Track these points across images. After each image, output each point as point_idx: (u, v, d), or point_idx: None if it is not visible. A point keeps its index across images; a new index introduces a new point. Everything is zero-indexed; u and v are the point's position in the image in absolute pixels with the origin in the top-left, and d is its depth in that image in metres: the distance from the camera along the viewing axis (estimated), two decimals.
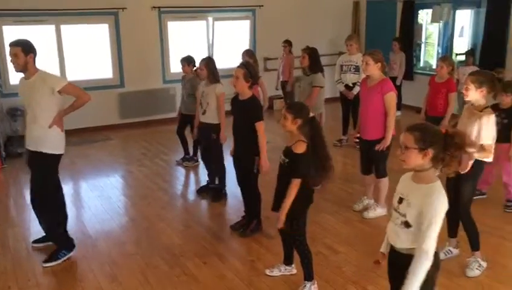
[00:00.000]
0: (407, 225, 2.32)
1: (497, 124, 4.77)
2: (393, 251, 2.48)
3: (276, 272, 3.83)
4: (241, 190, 4.63)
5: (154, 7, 8.70)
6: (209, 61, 5.31)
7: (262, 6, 9.68)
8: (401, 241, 2.37)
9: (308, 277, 3.56)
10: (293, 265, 3.82)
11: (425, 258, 2.22)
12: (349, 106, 7.18)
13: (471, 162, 3.58)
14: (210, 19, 9.42)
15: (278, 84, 8.99)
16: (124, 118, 8.79)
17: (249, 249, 4.34)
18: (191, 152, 6.69)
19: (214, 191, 5.47)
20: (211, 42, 9.55)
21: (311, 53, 5.81)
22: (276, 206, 3.50)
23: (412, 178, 2.38)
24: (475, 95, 3.63)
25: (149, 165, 6.76)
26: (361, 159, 4.98)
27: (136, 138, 8.15)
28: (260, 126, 4.21)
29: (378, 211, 4.87)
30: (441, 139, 2.26)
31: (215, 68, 5.29)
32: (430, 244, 2.22)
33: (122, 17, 8.46)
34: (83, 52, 8.41)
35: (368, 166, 4.89)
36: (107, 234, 4.67)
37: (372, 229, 4.59)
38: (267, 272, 3.85)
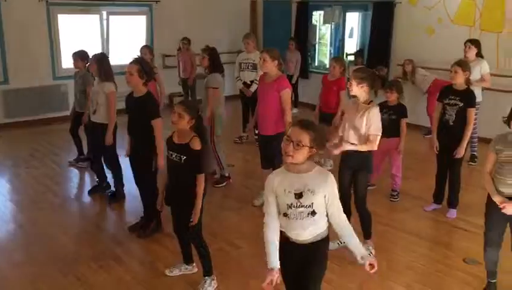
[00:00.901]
0: (313, 213, 2.44)
1: (386, 120, 5.18)
2: (292, 244, 2.55)
3: (176, 272, 3.79)
4: (139, 189, 4.50)
5: None
6: (99, 58, 5.06)
7: (159, 1, 9.47)
8: (305, 233, 2.48)
9: (207, 272, 3.57)
10: (193, 264, 3.80)
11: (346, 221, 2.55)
12: (249, 103, 7.29)
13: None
14: (104, 13, 9.02)
15: (179, 82, 8.91)
16: (10, 117, 8.11)
17: (149, 250, 4.23)
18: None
19: (110, 192, 5.26)
20: (105, 37, 9.15)
21: (211, 53, 5.73)
22: (170, 200, 3.51)
23: (293, 172, 2.46)
24: (357, 90, 3.85)
25: (38, 166, 6.31)
26: (261, 154, 5.08)
27: (23, 138, 7.57)
28: (157, 124, 4.12)
29: None
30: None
31: (108, 65, 5.06)
32: (344, 216, 2.56)
33: (5, 8, 7.79)
34: None
35: (268, 161, 5.00)
36: None
37: None
38: (167, 272, 3.79)
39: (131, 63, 4.17)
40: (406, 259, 4.15)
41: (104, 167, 5.36)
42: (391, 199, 5.35)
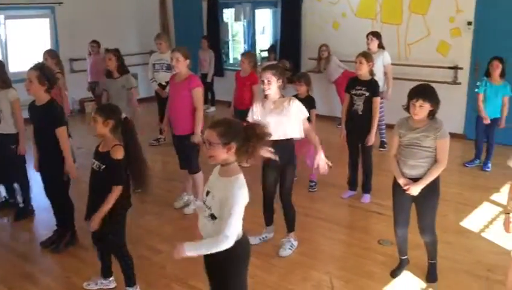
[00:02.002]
0: (213, 217, 2.38)
1: None
2: None
3: (92, 286, 3.60)
4: (51, 201, 4.25)
5: None
6: None
7: (61, 3, 9.00)
8: (209, 232, 2.42)
9: (130, 282, 3.45)
10: (110, 278, 3.62)
11: (223, 242, 2.29)
12: (165, 104, 7.13)
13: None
14: (1, 17, 8.41)
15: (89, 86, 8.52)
16: None
17: (65, 265, 4.02)
18: None
19: (17, 208, 4.91)
20: (3, 43, 8.53)
21: (117, 54, 5.54)
22: (90, 214, 3.29)
23: (218, 172, 2.45)
24: (275, 86, 3.85)
25: None
26: (178, 154, 5.01)
27: None
28: (61, 132, 3.90)
29: (192, 207, 4.96)
30: (242, 132, 2.35)
31: (4, 72, 4.72)
32: (231, 231, 2.29)
33: None
34: None
35: (183, 160, 4.94)
36: None
37: (193, 225, 4.60)
38: (85, 285, 3.61)
39: (30, 69, 3.92)
40: (326, 247, 4.28)
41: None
42: (309, 190, 5.49)
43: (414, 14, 7.50)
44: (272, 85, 3.83)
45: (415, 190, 3.33)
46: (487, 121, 5.84)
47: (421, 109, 3.22)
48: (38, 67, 3.94)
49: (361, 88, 4.89)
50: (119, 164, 3.19)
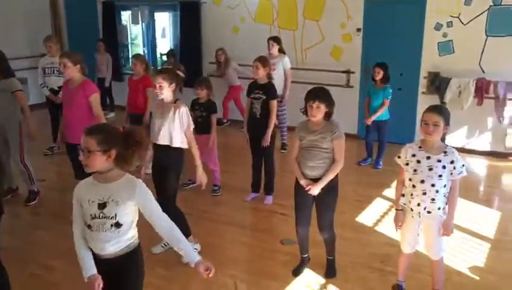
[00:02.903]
0: (118, 225, 2.30)
1: (198, 117, 5.27)
2: (101, 260, 2.40)
3: None
4: None
5: None
6: None
7: None
8: (109, 246, 2.33)
9: None
10: None
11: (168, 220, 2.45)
12: (58, 110, 6.71)
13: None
14: None
15: None
16: None
17: None
18: None
19: None
20: None
21: (2, 57, 5.02)
22: None
23: (99, 181, 2.34)
24: (168, 91, 3.83)
25: None
26: (72, 165, 4.73)
27: None
28: None
29: None
30: (122, 139, 2.29)
31: None
32: (161, 212, 2.44)
33: None
34: None
35: (81, 171, 4.66)
36: None
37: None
38: None
39: None
40: (231, 250, 4.29)
41: None
42: (213, 194, 5.47)
43: (308, 20, 7.81)
44: (164, 90, 3.82)
45: (315, 189, 3.45)
46: (368, 122, 6.27)
47: (318, 110, 3.36)
48: None
49: (259, 92, 5.00)
50: None
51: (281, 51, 6.72)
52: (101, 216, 2.32)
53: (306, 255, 3.90)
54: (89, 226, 2.36)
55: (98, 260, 2.40)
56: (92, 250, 2.40)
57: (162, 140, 3.83)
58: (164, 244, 4.16)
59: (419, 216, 3.22)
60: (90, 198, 2.33)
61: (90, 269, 2.36)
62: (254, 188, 5.40)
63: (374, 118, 6.18)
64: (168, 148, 3.84)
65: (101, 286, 2.33)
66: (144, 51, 10.01)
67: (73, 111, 4.45)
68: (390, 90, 6.15)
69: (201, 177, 4.04)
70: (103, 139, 2.23)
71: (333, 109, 3.43)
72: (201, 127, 5.16)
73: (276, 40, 6.72)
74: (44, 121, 7.27)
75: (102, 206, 2.31)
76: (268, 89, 5.01)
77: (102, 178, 2.32)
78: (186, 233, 4.05)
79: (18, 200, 5.15)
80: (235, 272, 3.92)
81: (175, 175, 3.96)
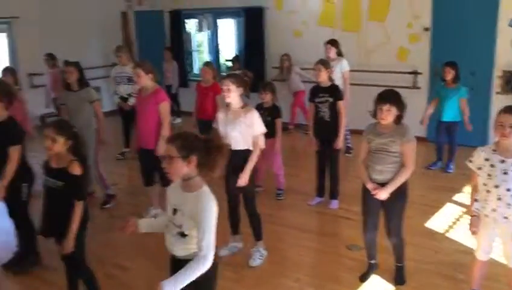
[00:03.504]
0: (182, 235, 2.34)
1: (263, 121, 5.29)
2: (173, 258, 2.49)
3: None
4: (13, 222, 4.10)
5: None
6: None
7: (18, 18, 8.75)
8: (178, 249, 2.40)
9: None
10: None
11: (203, 263, 2.25)
12: (128, 117, 7.03)
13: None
14: None
15: (50, 102, 8.30)
16: None
17: (29, 288, 3.88)
18: None
19: None
20: None
21: (77, 67, 5.32)
22: (46, 229, 3.25)
23: (181, 187, 2.40)
24: (235, 95, 3.89)
25: None
26: (142, 170, 4.93)
27: None
28: (14, 152, 3.74)
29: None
30: (202, 145, 2.32)
31: None
32: (208, 250, 2.26)
33: None
34: None
35: (149, 177, 4.87)
36: None
37: (160, 238, 4.55)
38: None
39: None
40: (295, 254, 4.29)
41: None
42: (277, 198, 5.50)
43: (373, 21, 7.67)
44: (232, 93, 3.86)
45: (383, 194, 3.38)
46: (424, 124, 6.15)
47: (388, 113, 3.28)
48: None
49: (324, 95, 4.96)
50: (79, 179, 3.11)
51: (339, 53, 6.64)
52: (172, 221, 2.41)
53: (373, 261, 3.82)
54: (166, 227, 2.46)
55: (172, 257, 2.48)
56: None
57: (236, 144, 3.84)
58: (230, 246, 4.24)
59: (495, 222, 3.06)
60: (171, 200, 2.44)
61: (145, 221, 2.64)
62: (319, 192, 5.36)
63: (444, 118, 6.00)
64: (242, 152, 3.85)
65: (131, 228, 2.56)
66: (208, 58, 10.25)
67: (145, 118, 4.65)
68: (466, 89, 5.91)
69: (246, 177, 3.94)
70: (183, 146, 2.27)
71: (404, 112, 3.34)
72: (266, 131, 5.20)
73: (333, 43, 6.63)
74: (116, 127, 7.64)
75: (174, 212, 2.39)
76: (334, 91, 4.97)
77: (184, 185, 2.38)
78: (259, 237, 4.13)
79: (95, 203, 5.41)
80: (300, 275, 3.91)
81: (252, 178, 4.00)
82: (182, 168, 2.30)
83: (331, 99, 4.94)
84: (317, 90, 5.05)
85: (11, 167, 3.75)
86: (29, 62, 8.76)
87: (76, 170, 3.09)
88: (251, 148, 3.90)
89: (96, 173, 5.38)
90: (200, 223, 2.26)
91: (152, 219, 2.61)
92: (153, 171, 4.79)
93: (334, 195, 5.27)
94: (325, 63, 5.03)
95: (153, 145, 4.62)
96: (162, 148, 4.56)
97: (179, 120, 9.43)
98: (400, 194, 3.43)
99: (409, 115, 3.48)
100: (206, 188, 2.36)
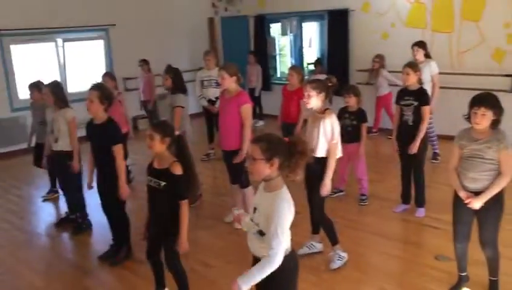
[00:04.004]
0: (261, 233, 2.37)
1: (347, 126, 5.24)
2: (255, 258, 2.52)
3: None
4: (108, 217, 4.40)
5: None
6: (53, 86, 4.93)
7: (114, 25, 9.38)
8: (259, 249, 2.42)
9: None
10: (166, 289, 3.70)
11: (272, 262, 2.28)
12: (214, 120, 7.25)
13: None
14: (59, 40, 8.88)
15: (141, 104, 8.80)
16: None
17: (121, 279, 4.12)
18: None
19: (75, 223, 5.11)
20: (62, 64, 8.99)
21: (173, 73, 5.56)
22: (155, 232, 3.39)
23: (262, 188, 2.45)
24: (316, 100, 3.89)
25: (0, 203, 6.09)
26: (228, 169, 5.06)
27: None
28: (117, 150, 4.03)
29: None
30: (285, 148, 2.35)
31: (62, 92, 4.95)
32: (277, 249, 2.28)
33: None
34: None
35: (233, 176, 4.98)
36: None
37: (243, 239, 4.63)
38: None
39: (90, 89, 4.09)
40: (379, 261, 4.17)
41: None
42: (360, 203, 5.39)
43: (466, 21, 7.28)
44: (312, 99, 3.87)
45: (477, 204, 3.20)
46: None
47: (483, 117, 3.11)
48: (99, 87, 4.12)
49: (409, 98, 4.79)
50: (180, 180, 3.24)
51: (427, 56, 6.36)
52: (252, 219, 2.45)
53: (464, 274, 3.61)
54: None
55: (255, 258, 2.51)
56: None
57: (313, 150, 3.89)
58: (309, 244, 4.23)
59: None
60: (255, 199, 2.49)
61: None
62: (404, 199, 5.18)
63: None
64: (316, 158, 3.87)
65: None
66: (291, 62, 10.31)
67: (227, 120, 4.76)
68: None
69: (327, 186, 3.93)
70: (267, 148, 2.31)
71: (501, 116, 3.14)
72: (350, 136, 5.15)
73: (420, 45, 6.37)
74: (201, 129, 7.91)
75: (254, 211, 2.44)
76: (420, 95, 4.79)
77: (265, 186, 2.42)
78: (334, 241, 4.07)
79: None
80: (384, 284, 3.80)
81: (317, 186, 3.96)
82: (264, 169, 2.33)
83: (415, 103, 4.76)
84: (403, 92, 4.89)
85: (120, 164, 4.03)
86: (123, 67, 9.33)
87: (177, 170, 3.22)
88: (318, 155, 3.88)
89: None
90: (272, 222, 2.29)
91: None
92: (234, 171, 4.89)
93: (420, 203, 5.06)
94: (413, 65, 4.86)
95: (234, 146, 4.72)
96: (242, 154, 4.67)
97: (261, 123, 9.57)
98: (496, 203, 3.22)
99: (505, 120, 3.26)
100: (284, 189, 2.38)
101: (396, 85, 7.00)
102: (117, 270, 4.23)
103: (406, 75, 4.80)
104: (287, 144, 2.37)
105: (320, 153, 3.90)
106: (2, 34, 8.05)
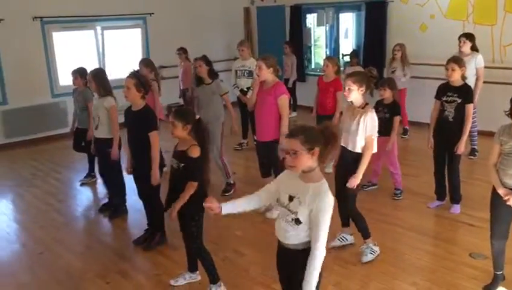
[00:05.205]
0: (298, 222, 2.39)
1: (380, 118, 5.17)
2: (281, 246, 2.56)
3: (181, 281, 3.79)
4: (143, 202, 4.51)
5: (35, 17, 8.17)
6: (96, 74, 5.07)
7: (152, 14, 9.52)
8: (290, 237, 2.45)
9: (213, 279, 3.58)
10: (197, 272, 3.80)
11: (321, 252, 2.33)
12: (247, 109, 7.27)
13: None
14: (98, 28, 9.07)
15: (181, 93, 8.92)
16: (9, 137, 8.13)
17: (154, 263, 4.23)
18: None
19: (114, 207, 5.26)
20: (101, 52, 9.19)
21: (207, 61, 5.59)
22: (167, 207, 3.55)
23: (300, 178, 2.44)
24: (356, 94, 3.84)
25: (41, 185, 6.32)
26: (260, 162, 5.08)
27: (24, 158, 7.56)
28: (153, 137, 4.12)
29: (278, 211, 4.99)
30: (321, 136, 2.36)
31: (105, 80, 5.07)
32: (323, 240, 2.33)
33: (1, 29, 7.81)
34: None
35: (267, 168, 5.00)
36: None
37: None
38: (172, 282, 3.79)
39: (128, 77, 4.18)
40: (412, 257, 4.13)
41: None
42: (394, 198, 5.33)
43: (510, 14, 7.03)
44: (352, 93, 3.83)
45: None
46: None
47: None
48: (135, 75, 4.21)
49: (452, 94, 4.66)
50: (196, 162, 3.35)
51: (474, 48, 6.18)
52: (287, 207, 2.46)
53: (500, 272, 3.54)
54: (277, 213, 2.56)
55: (281, 246, 2.56)
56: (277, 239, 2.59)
57: (347, 144, 3.88)
58: (340, 237, 4.22)
59: None
60: (286, 187, 2.49)
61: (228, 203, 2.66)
62: (438, 195, 5.10)
63: None
64: (351, 152, 3.87)
65: (214, 210, 2.60)
66: (326, 52, 10.21)
67: (263, 111, 4.79)
68: None
69: (358, 179, 3.88)
70: (306, 139, 2.32)
71: None
72: (384, 129, 5.07)
73: (468, 36, 6.18)
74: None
75: (290, 199, 2.44)
76: (464, 92, 4.63)
77: (304, 176, 2.43)
78: (366, 235, 4.06)
79: (216, 191, 5.60)
80: (417, 279, 3.77)
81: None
82: (308, 161, 2.34)
83: (459, 100, 4.63)
84: (446, 88, 4.74)
85: (155, 151, 4.13)
86: (160, 55, 9.44)
87: (193, 152, 3.35)
88: (356, 150, 3.85)
89: (221, 163, 5.65)
90: (318, 214, 2.32)
91: (236, 200, 2.70)
92: (268, 163, 4.92)
93: (455, 199, 4.97)
94: (458, 61, 4.67)
95: (270, 137, 4.74)
96: (283, 143, 4.68)
97: (294, 114, 9.53)
98: None
99: None
100: (325, 181, 2.41)
101: (433, 78, 6.83)
102: (151, 254, 4.34)
103: (450, 71, 4.61)
104: (321, 132, 2.38)
105: (359, 148, 3.85)
106: (45, 22, 8.29)
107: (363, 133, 3.82)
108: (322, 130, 2.39)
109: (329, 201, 2.35)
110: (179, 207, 3.38)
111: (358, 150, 3.86)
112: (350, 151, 3.89)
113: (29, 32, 8.18)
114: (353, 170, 3.81)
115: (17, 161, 7.47)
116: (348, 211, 4.09)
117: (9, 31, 7.90)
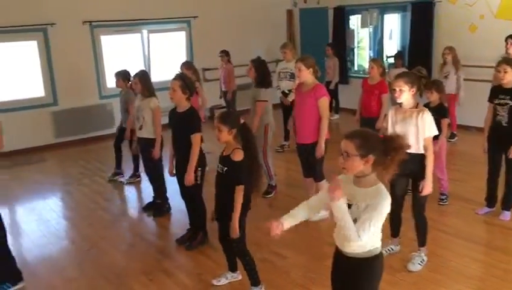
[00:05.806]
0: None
1: None
2: (340, 254, 2.50)
3: (223, 281, 3.83)
4: (185, 202, 4.58)
5: (85, 22, 8.46)
6: (142, 75, 5.21)
7: (197, 17, 9.67)
8: (347, 245, 2.40)
9: (254, 282, 3.59)
10: (238, 271, 3.83)
11: (357, 237, 2.27)
12: (289, 111, 7.26)
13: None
14: (145, 31, 9.30)
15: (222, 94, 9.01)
16: (59, 137, 8.45)
17: (196, 262, 4.28)
18: (129, 167, 6.54)
19: (157, 206, 5.37)
20: (147, 55, 9.42)
21: (258, 65, 5.57)
22: (217, 215, 3.56)
23: (354, 183, 2.38)
24: (408, 95, 3.73)
25: (88, 184, 6.54)
26: (301, 163, 5.05)
27: (73, 157, 7.85)
28: (195, 138, 4.17)
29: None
30: (381, 144, 2.28)
31: (149, 82, 5.21)
32: (365, 233, 2.26)
33: (52, 33, 8.17)
34: (10, 72, 8.03)
35: (308, 169, 4.97)
36: (46, 260, 4.47)
37: (316, 232, 4.66)
38: (214, 282, 3.83)
39: (173, 79, 4.25)
40: (459, 264, 4.00)
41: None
42: (440, 203, 5.18)
43: None
44: (404, 94, 3.72)
45: None
46: None
47: None
48: (181, 78, 4.28)
49: (505, 97, 4.48)
50: (239, 166, 3.35)
51: None
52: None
53: None
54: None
55: (340, 254, 2.50)
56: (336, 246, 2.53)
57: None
58: (388, 248, 4.13)
59: None
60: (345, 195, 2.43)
61: (284, 217, 2.66)
62: (489, 202, 4.91)
63: None
64: (414, 155, 3.65)
65: (278, 232, 2.60)
66: (369, 54, 10.06)
67: (303, 112, 4.76)
68: None
69: (431, 184, 3.83)
70: (362, 144, 2.26)
71: None
72: None
73: None
74: (277, 120, 7.93)
75: (348, 206, 2.34)
76: None
77: (357, 181, 2.37)
78: (423, 242, 3.98)
79: (257, 193, 5.66)
80: (463, 287, 3.65)
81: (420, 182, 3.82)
82: (359, 166, 2.28)
83: (511, 103, 4.46)
84: (498, 90, 4.57)
85: (194, 152, 4.18)
86: (203, 58, 9.59)
87: (237, 156, 3.35)
88: (420, 151, 3.71)
89: (264, 165, 5.66)
90: (368, 211, 2.26)
91: (294, 210, 2.66)
92: (309, 165, 4.88)
93: (507, 206, 4.78)
94: (510, 62, 4.50)
95: (310, 140, 4.70)
96: (321, 148, 4.64)
97: (336, 116, 9.45)
98: None
99: None
100: (382, 184, 2.33)
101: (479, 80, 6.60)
102: (193, 254, 4.40)
103: (503, 73, 4.44)
104: (383, 141, 2.31)
105: (420, 149, 3.72)
106: (94, 26, 8.57)
107: (423, 134, 3.69)
108: (384, 140, 2.31)
109: (384, 204, 2.27)
110: (237, 219, 3.37)
111: (420, 151, 3.72)
112: (412, 154, 3.73)
113: (79, 35, 8.49)
114: (417, 173, 3.71)
115: (66, 160, 7.77)
116: (415, 215, 3.96)
117: (60, 35, 8.22)
